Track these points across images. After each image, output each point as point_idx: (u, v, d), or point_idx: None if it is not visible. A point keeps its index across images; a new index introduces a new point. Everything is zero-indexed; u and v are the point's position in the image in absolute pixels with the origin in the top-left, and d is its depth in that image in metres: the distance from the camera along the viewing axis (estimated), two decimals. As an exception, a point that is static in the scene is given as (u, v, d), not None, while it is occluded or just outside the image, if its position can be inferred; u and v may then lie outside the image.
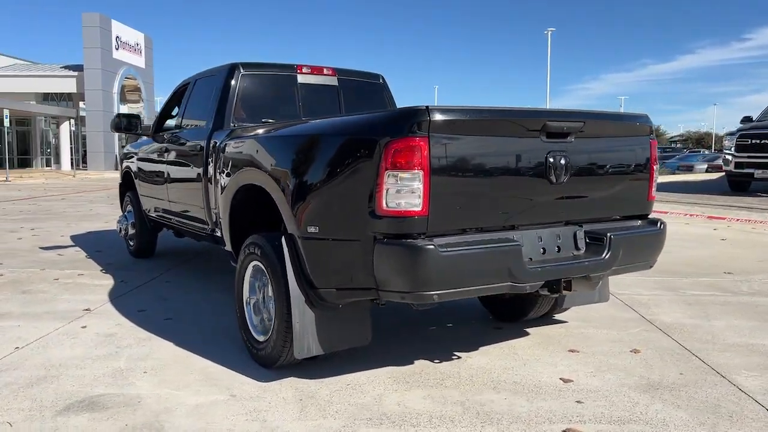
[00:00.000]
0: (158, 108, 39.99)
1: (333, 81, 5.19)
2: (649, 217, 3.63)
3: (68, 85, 36.75)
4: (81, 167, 35.77)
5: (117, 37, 36.87)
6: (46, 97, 38.07)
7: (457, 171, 2.83)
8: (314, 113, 4.80)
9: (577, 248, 3.26)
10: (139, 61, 40.09)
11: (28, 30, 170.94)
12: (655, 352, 3.78)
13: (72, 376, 3.32)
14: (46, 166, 38.37)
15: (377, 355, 3.66)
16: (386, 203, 2.71)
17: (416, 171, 2.69)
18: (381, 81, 5.52)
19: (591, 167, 3.29)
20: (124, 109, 37.88)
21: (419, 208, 2.72)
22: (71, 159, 35.13)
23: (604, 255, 3.20)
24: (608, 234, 3.22)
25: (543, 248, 3.15)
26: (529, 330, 4.20)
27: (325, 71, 5.17)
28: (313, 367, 3.41)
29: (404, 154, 2.68)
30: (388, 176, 2.70)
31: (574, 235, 3.25)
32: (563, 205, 3.20)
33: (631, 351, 3.79)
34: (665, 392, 3.16)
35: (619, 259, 3.26)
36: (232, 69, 4.79)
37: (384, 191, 2.71)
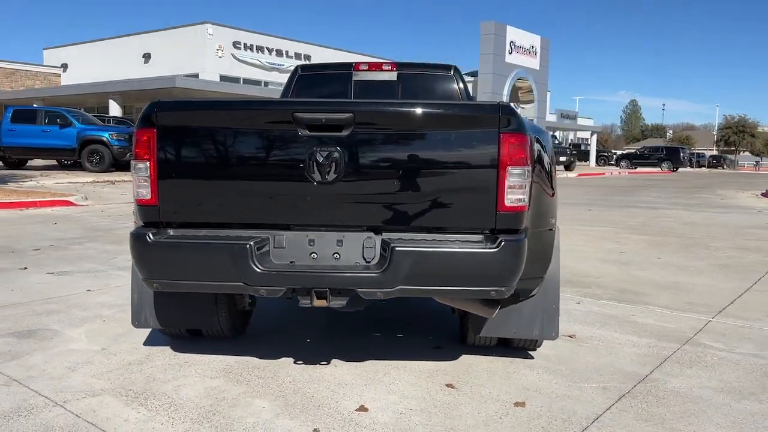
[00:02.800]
0: (549, 108, 40.71)
1: (391, 76, 5.15)
2: (516, 231, 2.79)
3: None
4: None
5: (511, 41, 39.10)
6: (450, 101, 42.78)
7: (194, 164, 2.83)
8: None
9: (364, 258, 2.81)
10: (533, 63, 41.65)
11: (446, 42, 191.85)
12: (539, 410, 2.89)
13: (59, 312, 4.33)
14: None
15: (261, 345, 3.73)
16: (135, 192, 2.92)
17: (145, 161, 2.83)
18: (451, 72, 5.19)
19: (387, 166, 2.77)
20: (513, 109, 40.00)
21: (149, 198, 2.85)
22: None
23: (380, 270, 2.69)
24: (392, 245, 2.69)
25: (315, 253, 2.84)
26: (467, 356, 3.58)
27: (384, 67, 5.18)
28: (201, 342, 3.70)
29: (138, 144, 2.85)
30: (133, 166, 2.90)
31: (363, 243, 2.81)
32: (347, 208, 2.80)
33: (514, 403, 2.97)
34: (428, 451, 2.51)
35: (408, 277, 2.68)
36: (294, 71, 5.27)
37: (134, 180, 2.92)
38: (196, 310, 3.45)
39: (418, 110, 2.78)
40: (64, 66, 38.51)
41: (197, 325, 3.54)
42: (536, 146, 2.96)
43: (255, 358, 3.51)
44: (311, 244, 2.85)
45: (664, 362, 3.55)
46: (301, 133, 2.74)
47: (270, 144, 2.80)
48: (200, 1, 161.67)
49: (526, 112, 42.33)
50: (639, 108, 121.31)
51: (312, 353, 3.60)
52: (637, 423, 2.78)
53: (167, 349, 3.63)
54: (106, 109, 27.39)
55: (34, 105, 23.96)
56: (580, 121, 56.19)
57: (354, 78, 5.15)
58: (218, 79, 29.44)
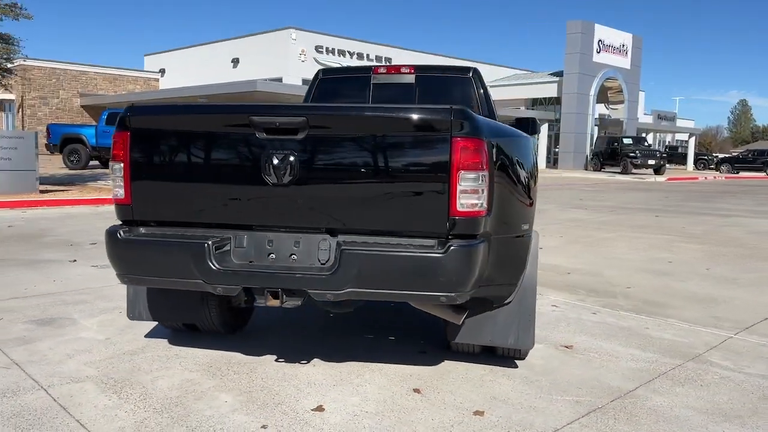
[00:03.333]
0: (641, 108, 38.63)
1: (409, 79, 5.16)
2: (474, 236, 2.74)
3: (551, 91, 39.57)
4: (552, 166, 38.26)
5: (599, 40, 37.75)
6: (535, 103, 41.83)
7: (162, 165, 2.98)
8: None
9: (319, 260, 2.85)
10: (623, 62, 40.01)
11: (529, 43, 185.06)
12: (497, 420, 2.83)
13: (85, 302, 4.63)
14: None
15: (252, 342, 3.84)
16: (112, 191, 3.11)
17: (120, 163, 3.01)
18: (470, 75, 5.13)
19: (341, 169, 2.80)
20: (600, 109, 38.74)
21: (123, 197, 3.02)
22: (546, 158, 37.98)
23: (330, 271, 2.73)
24: (342, 248, 2.71)
25: (273, 254, 2.91)
26: (449, 362, 3.54)
27: (402, 70, 5.20)
28: (197, 336, 3.87)
29: (114, 147, 3.04)
30: (111, 167, 3.09)
31: (318, 245, 2.85)
32: (304, 210, 2.85)
33: (473, 412, 2.92)
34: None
35: (357, 279, 2.70)
36: (315, 75, 5.39)
37: (112, 180, 3.12)
38: (185, 305, 3.60)
39: (371, 114, 2.80)
40: (162, 71, 40.78)
41: (189, 320, 3.70)
42: (500, 151, 2.90)
43: (240, 354, 3.62)
44: (270, 244, 2.92)
45: (655, 378, 3.37)
46: (259, 136, 2.82)
47: (231, 147, 2.90)
48: (285, 5, 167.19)
49: (615, 113, 40.83)
50: (749, 108, 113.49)
51: (297, 352, 3.67)
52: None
53: (164, 342, 3.82)
54: (195, 111, 28.78)
55: (131, 108, 25.61)
56: (680, 123, 53.34)
57: (373, 81, 5.19)
58: (300, 83, 30.24)
